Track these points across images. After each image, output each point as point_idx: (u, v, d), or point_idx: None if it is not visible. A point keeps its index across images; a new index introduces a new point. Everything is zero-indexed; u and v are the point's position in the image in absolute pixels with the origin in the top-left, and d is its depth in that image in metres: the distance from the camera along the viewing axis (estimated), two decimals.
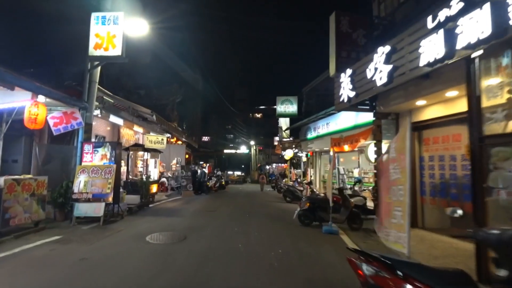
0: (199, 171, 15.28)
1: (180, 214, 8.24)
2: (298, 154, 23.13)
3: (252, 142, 34.99)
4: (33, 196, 5.56)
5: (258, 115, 56.57)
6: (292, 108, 15.52)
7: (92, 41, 6.86)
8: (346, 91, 5.87)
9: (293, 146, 15.93)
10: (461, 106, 4.32)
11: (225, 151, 38.65)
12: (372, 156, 7.99)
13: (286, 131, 16.99)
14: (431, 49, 3.63)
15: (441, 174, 5.69)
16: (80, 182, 6.64)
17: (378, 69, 4.67)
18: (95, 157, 6.94)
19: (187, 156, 23.61)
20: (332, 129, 11.52)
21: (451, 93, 4.64)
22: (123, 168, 10.26)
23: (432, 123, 5.56)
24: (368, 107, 6.56)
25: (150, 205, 9.49)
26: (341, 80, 6.06)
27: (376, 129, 6.34)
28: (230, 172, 33.79)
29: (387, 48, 4.57)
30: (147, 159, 10.05)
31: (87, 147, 6.97)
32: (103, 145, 6.98)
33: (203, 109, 49.23)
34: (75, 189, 6.60)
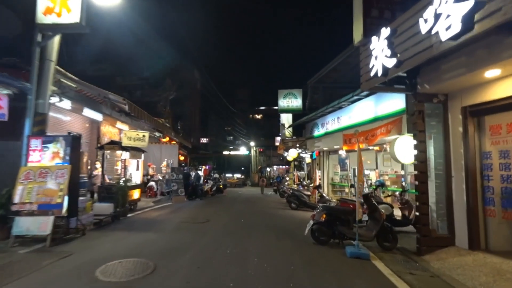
0: (193, 173, 13.63)
1: (160, 227, 6.57)
2: (301, 154, 21.54)
3: (252, 143, 33.35)
4: None
5: (259, 116, 55.18)
6: (296, 102, 13.81)
7: (41, 4, 5.26)
8: (380, 60, 4.25)
9: (297, 145, 14.29)
10: None
11: (224, 152, 36.98)
12: (401, 153, 6.35)
13: (289, 129, 15.34)
14: None
15: None
16: (23, 189, 5.01)
17: (444, 14, 3.06)
18: (44, 156, 5.30)
19: (182, 157, 22.00)
20: (344, 124, 9.88)
21: None
22: (97, 171, 8.63)
23: (504, 104, 3.93)
24: (404, 87, 4.93)
25: (129, 215, 7.83)
26: (372, 47, 4.44)
27: (418, 116, 4.70)
28: (229, 175, 32.13)
29: None
30: (125, 160, 8.36)
31: (35, 143, 5.34)
32: (55, 140, 5.34)
33: (202, 110, 47.80)
34: (16, 199, 4.97)
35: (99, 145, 9.05)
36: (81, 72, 9.05)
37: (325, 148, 11.92)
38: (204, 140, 46.55)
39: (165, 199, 11.87)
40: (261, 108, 54.30)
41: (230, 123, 35.49)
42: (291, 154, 14.07)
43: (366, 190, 8.16)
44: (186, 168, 13.38)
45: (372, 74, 4.51)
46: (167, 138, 14.93)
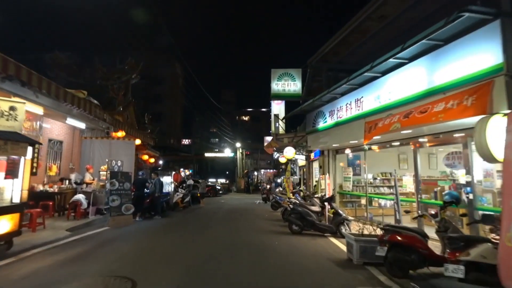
0: (152, 181, 10.03)
1: None
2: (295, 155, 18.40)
3: (238, 144, 29.92)
4: None
5: (246, 118, 52.17)
6: (294, 85, 10.50)
7: None
8: None
9: (295, 142, 11.07)
10: None
11: (207, 154, 33.24)
12: (495, 144, 3.33)
13: (282, 121, 12.05)
14: None
15: None
16: None
17: None
18: None
19: (152, 160, 18.19)
20: (368, 108, 6.75)
21: None
22: None
23: None
24: None
25: None
26: None
27: None
28: (212, 180, 28.41)
29: None
30: None
31: None
32: None
33: (185, 110, 43.91)
34: None
35: None
36: None
37: (334, 145, 8.76)
38: (186, 141, 42.61)
39: (101, 221, 8.08)
40: (248, 110, 51.29)
41: (216, 124, 32.00)
42: (287, 153, 10.82)
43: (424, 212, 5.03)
44: (141, 173, 9.77)
45: None
46: (122, 133, 11.25)
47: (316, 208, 7.38)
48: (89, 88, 13.53)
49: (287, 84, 10.34)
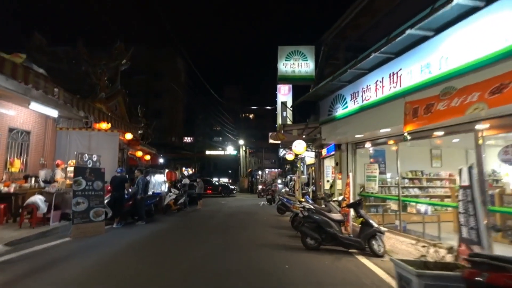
0: (138, 179, 8.45)
1: None
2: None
3: (241, 142, 28.28)
4: None
5: (250, 116, 50.67)
6: (306, 66, 8.54)
7: None
8: None
9: (305, 135, 9.35)
10: None
11: (208, 152, 31.66)
12: None
13: (291, 108, 10.20)
14: None
15: None
16: None
17: None
18: None
19: (146, 157, 16.65)
20: (411, 83, 4.99)
21: None
22: None
23: None
24: None
25: None
26: None
27: None
28: (215, 179, 26.81)
29: None
30: None
31: None
32: None
33: (187, 107, 42.48)
34: None
35: None
36: None
37: (357, 135, 7.00)
38: (188, 139, 41.15)
39: (65, 229, 6.43)
40: (253, 107, 49.74)
41: (219, 121, 30.38)
42: (297, 148, 9.06)
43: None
44: (119, 170, 8.15)
45: None
46: (107, 125, 9.69)
47: (337, 216, 5.66)
48: (74, 75, 12.05)
49: (297, 64, 8.54)
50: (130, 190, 8.44)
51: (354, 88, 6.84)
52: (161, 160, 26.06)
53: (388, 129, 5.81)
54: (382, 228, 5.28)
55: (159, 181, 13.35)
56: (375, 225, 5.18)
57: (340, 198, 7.43)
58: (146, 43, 34.23)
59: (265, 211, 12.50)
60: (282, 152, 16.89)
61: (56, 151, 9.36)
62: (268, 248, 5.63)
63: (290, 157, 13.69)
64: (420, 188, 7.70)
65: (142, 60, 36.33)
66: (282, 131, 9.29)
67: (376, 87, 5.92)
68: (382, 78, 5.71)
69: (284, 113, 10.17)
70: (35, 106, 7.39)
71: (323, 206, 7.49)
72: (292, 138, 10.23)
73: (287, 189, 15.77)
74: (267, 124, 37.28)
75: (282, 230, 7.64)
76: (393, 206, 6.70)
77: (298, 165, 9.31)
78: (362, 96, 6.46)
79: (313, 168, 14.69)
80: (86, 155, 7.85)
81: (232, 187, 22.98)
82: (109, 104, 12.52)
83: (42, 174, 8.17)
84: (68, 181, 7.88)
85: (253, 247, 5.74)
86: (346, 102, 7.22)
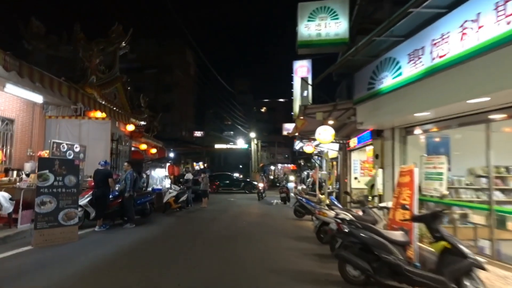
0: (122, 174, 6.75)
1: None
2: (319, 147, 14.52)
3: (252, 134, 26.37)
4: None
5: (262, 109, 48.77)
6: (336, 26, 5.95)
7: None
8: None
9: (331, 119, 7.24)
10: None
11: (217, 146, 30.00)
12: None
13: (310, 85, 7.95)
14: None
15: None
16: None
17: None
18: None
19: (152, 150, 15.13)
20: None
21: None
22: None
23: None
24: None
25: None
26: None
27: None
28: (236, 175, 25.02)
29: None
30: None
31: None
32: None
33: (198, 100, 41.11)
34: None
35: None
36: None
37: (420, 114, 4.79)
38: (198, 133, 39.78)
39: (26, 234, 4.93)
40: (265, 100, 47.71)
41: (230, 114, 28.58)
42: (322, 136, 6.87)
43: None
44: (102, 163, 6.42)
45: None
46: (102, 114, 8.12)
47: (398, 235, 3.61)
48: (72, 63, 10.53)
49: (325, 24, 6.25)
50: (117, 187, 6.75)
51: (415, 44, 4.67)
52: (171, 155, 24.72)
53: (484, 99, 3.65)
54: (480, 259, 3.19)
55: (160, 176, 11.74)
56: (470, 254, 3.10)
57: (384, 204, 5.34)
58: (155, 36, 33.02)
59: (279, 213, 10.57)
60: (297, 144, 14.75)
61: (45, 141, 7.96)
62: (286, 277, 3.69)
63: (309, 149, 11.60)
64: (503, 190, 5.44)
65: (151, 54, 35.30)
66: (302, 117, 7.25)
67: (462, 32, 3.74)
68: (478, 15, 3.53)
69: (305, 92, 8.01)
70: (12, 89, 5.92)
71: (360, 213, 5.47)
72: (312, 125, 8.19)
73: (304, 187, 13.73)
74: (280, 118, 35.37)
75: (303, 243, 5.67)
76: (476, 218, 4.53)
77: (326, 157, 7.19)
78: (431, 52, 4.29)
79: (333, 163, 12.52)
80: (64, 144, 6.32)
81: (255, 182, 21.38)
82: (105, 91, 10.90)
83: (28, 166, 6.78)
84: (33, 175, 6.32)
85: (263, 275, 3.81)
86: (400, 67, 5.07)
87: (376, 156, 6.64)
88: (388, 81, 5.36)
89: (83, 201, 5.97)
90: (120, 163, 10.42)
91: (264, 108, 49.68)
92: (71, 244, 4.93)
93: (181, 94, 37.28)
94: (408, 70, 4.87)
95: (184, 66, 37.67)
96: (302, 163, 30.60)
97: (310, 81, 9.35)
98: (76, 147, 6.42)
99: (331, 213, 5.39)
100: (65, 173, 5.22)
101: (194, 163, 33.78)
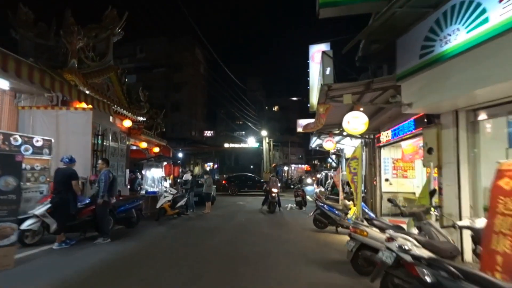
0: (101, 175, 5.36)
1: None
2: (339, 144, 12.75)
3: (264, 133, 24.78)
4: None
5: (274, 108, 47.17)
6: None
7: None
8: None
9: (363, 103, 5.49)
10: None
11: (226, 145, 28.59)
12: None
13: (330, 57, 6.05)
14: None
15: None
16: None
17: None
18: None
19: (154, 149, 13.92)
20: None
21: None
22: None
23: None
24: None
25: None
26: None
27: None
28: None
29: None
30: None
31: None
32: None
33: (209, 99, 40.05)
34: None
35: None
36: None
37: None
38: (208, 133, 38.67)
39: None
40: (278, 99, 46.00)
41: (242, 113, 27.14)
42: (354, 124, 5.06)
43: None
44: (65, 160, 5.01)
45: None
46: (88, 106, 6.85)
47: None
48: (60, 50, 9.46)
49: None
50: (79, 192, 5.31)
51: None
52: (179, 155, 23.55)
53: None
54: None
55: (156, 177, 10.39)
56: None
57: (467, 222, 3.62)
58: (164, 34, 32.28)
59: (295, 220, 8.91)
60: (314, 141, 12.98)
61: None
62: None
63: (329, 145, 9.85)
64: None
65: (161, 53, 34.57)
66: (325, 100, 5.59)
67: None
68: None
69: (328, 70, 6.32)
70: None
71: (414, 230, 3.77)
72: (333, 117, 6.49)
73: (322, 189, 11.96)
74: (293, 117, 33.62)
75: (333, 272, 4.00)
76: None
77: (357, 151, 5.45)
78: None
79: (355, 162, 10.66)
80: (17, 136, 4.96)
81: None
82: (94, 80, 9.68)
83: None
84: None
85: None
86: (483, 11, 3.32)
87: (428, 151, 4.87)
88: (460, 36, 3.61)
89: (40, 209, 4.61)
90: (115, 163, 9.17)
91: (277, 107, 48.06)
92: (2, 273, 3.52)
93: (191, 93, 36.41)
94: (499, 13, 3.12)
95: (194, 64, 36.73)
96: (317, 164, 28.64)
97: (330, 68, 7.50)
98: (37, 141, 5.09)
99: (375, 232, 3.71)
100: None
101: (206, 164, 32.65)
